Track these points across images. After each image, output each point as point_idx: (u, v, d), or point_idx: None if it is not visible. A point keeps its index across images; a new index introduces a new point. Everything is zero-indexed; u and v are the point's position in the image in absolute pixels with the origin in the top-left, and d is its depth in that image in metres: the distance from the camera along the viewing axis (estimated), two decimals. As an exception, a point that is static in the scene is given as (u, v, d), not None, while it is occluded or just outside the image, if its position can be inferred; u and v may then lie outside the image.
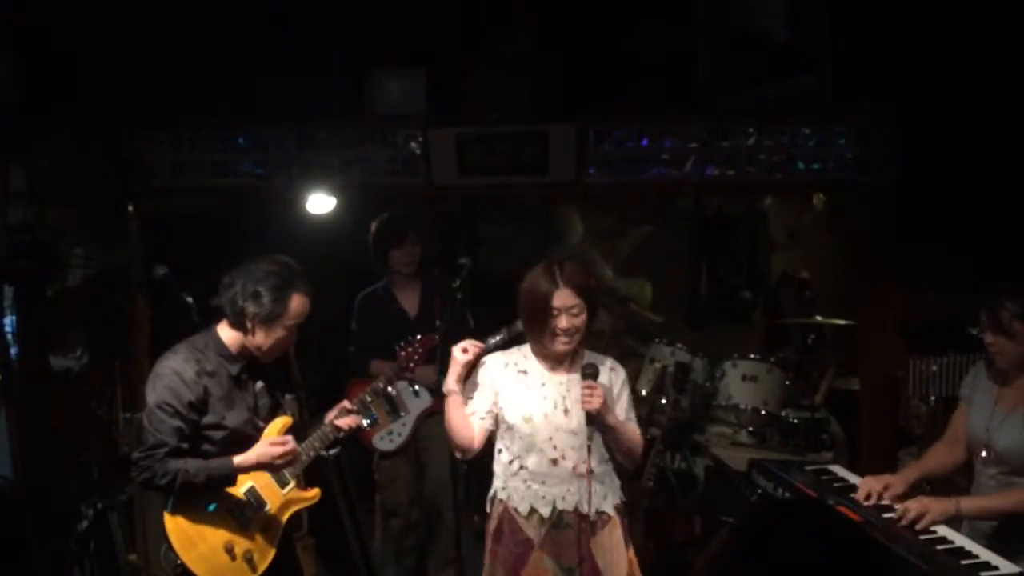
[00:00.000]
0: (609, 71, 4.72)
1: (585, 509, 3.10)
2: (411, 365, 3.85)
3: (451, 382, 3.18)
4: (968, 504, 3.02)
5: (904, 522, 2.99)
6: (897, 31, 4.28)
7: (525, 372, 3.17)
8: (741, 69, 4.69)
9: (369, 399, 3.58)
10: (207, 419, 3.13)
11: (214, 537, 3.14)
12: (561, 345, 3.09)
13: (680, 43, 4.69)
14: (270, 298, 3.09)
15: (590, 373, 3.07)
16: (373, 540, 4.77)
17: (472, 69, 4.78)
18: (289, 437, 3.21)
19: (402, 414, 4.48)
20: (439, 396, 4.36)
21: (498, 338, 4.21)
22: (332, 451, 3.37)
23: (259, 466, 3.17)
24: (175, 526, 3.13)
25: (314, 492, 3.37)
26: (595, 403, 3.02)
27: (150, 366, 3.25)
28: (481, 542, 3.29)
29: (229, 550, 3.14)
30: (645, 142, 4.57)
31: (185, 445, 3.09)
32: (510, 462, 3.14)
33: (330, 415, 3.36)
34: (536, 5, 4.81)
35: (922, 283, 4.32)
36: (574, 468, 3.10)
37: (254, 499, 3.20)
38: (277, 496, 3.24)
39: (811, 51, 4.57)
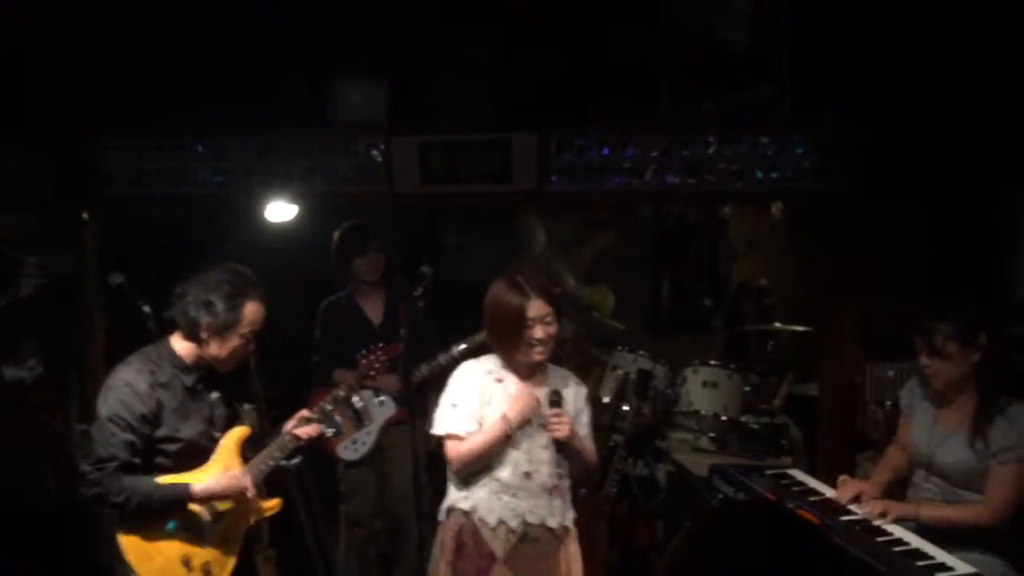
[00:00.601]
0: (571, 80, 4.74)
1: (552, 523, 3.11)
2: (372, 373, 3.83)
3: (516, 421, 3.06)
4: (928, 511, 3.10)
5: (867, 516, 3.10)
6: (855, 41, 4.35)
7: (501, 381, 3.15)
8: (701, 78, 4.74)
9: (330, 407, 3.54)
10: (160, 432, 3.07)
11: (170, 549, 3.09)
12: (537, 355, 3.08)
13: (641, 52, 4.72)
14: (223, 307, 3.06)
15: (555, 400, 3.07)
16: (336, 551, 4.72)
17: (434, 77, 4.78)
18: (237, 472, 3.16)
19: (367, 423, 4.44)
20: (403, 405, 4.36)
21: (463, 347, 4.21)
22: (293, 461, 3.33)
23: (216, 496, 3.11)
24: (129, 539, 3.07)
25: (274, 502, 3.33)
26: (564, 431, 3.05)
27: (106, 377, 3.19)
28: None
29: (186, 563, 3.09)
30: (606, 151, 4.59)
31: (136, 460, 3.03)
32: (479, 472, 3.12)
33: (289, 424, 3.32)
34: (498, 15, 4.82)
35: (878, 290, 4.39)
36: (544, 482, 3.10)
37: (211, 510, 3.14)
38: (236, 507, 3.19)
39: (770, 60, 4.63)
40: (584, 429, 3.21)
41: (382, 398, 4.48)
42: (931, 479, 3.18)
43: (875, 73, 4.30)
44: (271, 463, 3.25)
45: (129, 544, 3.07)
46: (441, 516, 3.22)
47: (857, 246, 4.47)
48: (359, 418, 4.37)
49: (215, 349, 3.10)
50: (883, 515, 3.10)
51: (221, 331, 3.07)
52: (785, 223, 6.25)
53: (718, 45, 4.77)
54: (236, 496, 3.14)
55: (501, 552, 3.08)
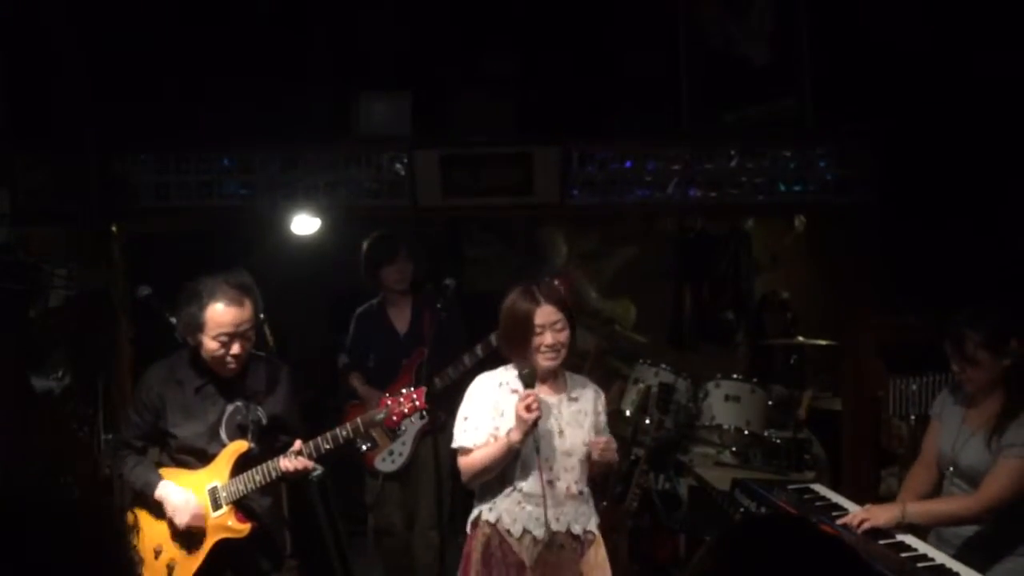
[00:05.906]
0: (593, 93, 4.76)
1: (576, 529, 3.13)
2: (395, 419, 3.35)
3: (516, 437, 3.01)
4: (913, 508, 3.09)
5: (854, 528, 3.06)
6: (877, 54, 4.35)
7: (516, 392, 3.15)
8: (723, 92, 4.74)
9: (328, 447, 3.25)
10: (162, 425, 3.26)
11: (151, 534, 3.24)
12: (548, 361, 3.09)
13: (663, 66, 4.74)
14: (191, 308, 3.14)
15: (528, 382, 3.04)
16: (359, 562, 4.72)
17: (456, 91, 4.81)
18: (190, 505, 3.19)
19: (400, 433, 4.44)
20: (433, 414, 4.33)
21: (475, 352, 4.22)
22: (316, 472, 3.30)
23: (167, 509, 3.21)
24: (133, 516, 3.27)
25: (245, 526, 3.22)
26: (612, 455, 3.13)
27: (133, 387, 3.29)
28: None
29: (157, 553, 3.23)
30: (629, 164, 4.60)
31: (139, 443, 3.28)
32: (501, 483, 3.12)
33: (283, 460, 3.20)
34: (520, 28, 4.85)
35: (901, 303, 4.37)
36: (567, 489, 3.12)
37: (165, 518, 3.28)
38: (207, 517, 3.22)
39: (792, 74, 4.62)
40: (604, 431, 3.24)
41: None
42: (955, 482, 3.14)
43: (896, 85, 4.29)
44: (250, 486, 3.19)
45: (132, 518, 3.26)
46: (468, 528, 3.23)
47: (879, 259, 4.45)
48: (392, 430, 4.38)
49: (200, 350, 3.20)
50: (863, 523, 3.05)
51: (190, 332, 3.17)
52: (807, 236, 6.23)
53: (740, 59, 4.78)
54: (177, 518, 3.19)
55: (529, 561, 3.09)
